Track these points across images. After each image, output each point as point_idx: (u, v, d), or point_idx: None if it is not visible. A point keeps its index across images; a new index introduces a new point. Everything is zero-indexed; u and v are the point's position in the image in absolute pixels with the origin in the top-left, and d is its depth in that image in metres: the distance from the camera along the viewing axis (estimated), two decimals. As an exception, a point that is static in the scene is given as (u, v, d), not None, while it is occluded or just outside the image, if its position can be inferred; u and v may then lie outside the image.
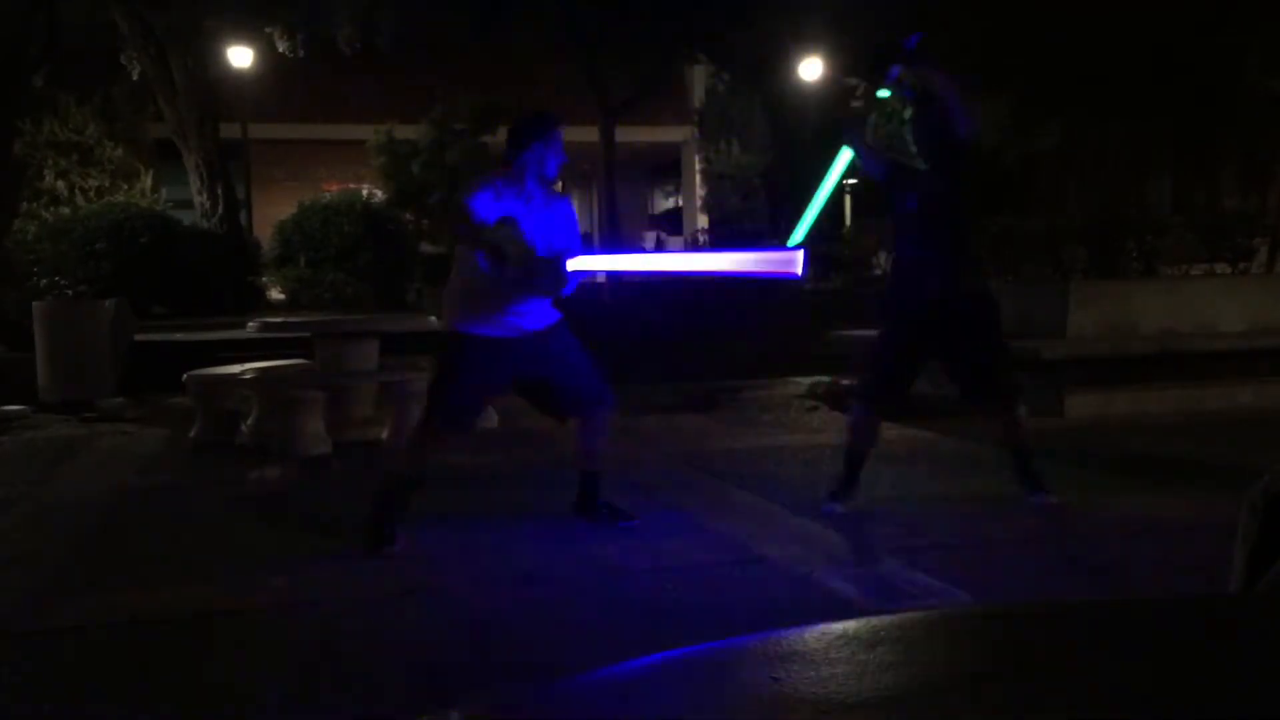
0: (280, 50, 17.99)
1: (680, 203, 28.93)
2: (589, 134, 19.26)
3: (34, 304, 10.51)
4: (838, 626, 1.23)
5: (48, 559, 4.81)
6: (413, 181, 19.42)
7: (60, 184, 17.60)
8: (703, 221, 25.30)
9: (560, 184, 24.24)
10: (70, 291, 14.85)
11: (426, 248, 19.72)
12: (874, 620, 1.26)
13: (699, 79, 24.24)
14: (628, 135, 20.55)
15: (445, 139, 19.62)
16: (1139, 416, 7.91)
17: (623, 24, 15.52)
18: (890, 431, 7.64)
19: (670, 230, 27.64)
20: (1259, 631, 1.27)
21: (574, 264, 4.72)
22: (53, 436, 8.26)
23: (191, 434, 7.63)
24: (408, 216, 19.36)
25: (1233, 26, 10.06)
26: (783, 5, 15.76)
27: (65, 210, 17.06)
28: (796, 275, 4.59)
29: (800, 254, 4.59)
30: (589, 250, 5.30)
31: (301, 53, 17.91)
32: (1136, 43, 9.77)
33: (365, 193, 19.86)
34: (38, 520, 5.62)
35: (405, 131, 19.71)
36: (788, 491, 5.75)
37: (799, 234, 5.04)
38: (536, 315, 4.82)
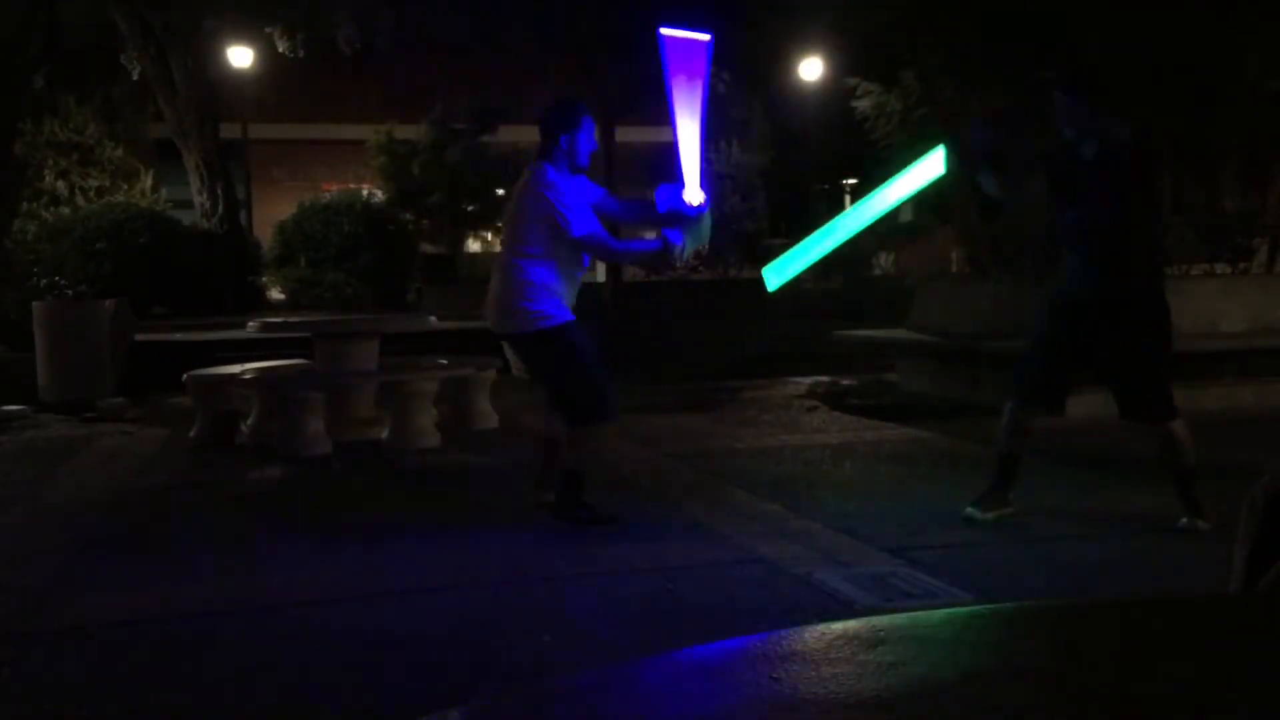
0: (280, 50, 17.99)
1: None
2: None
3: (34, 304, 10.51)
4: (838, 626, 1.23)
5: (48, 559, 4.81)
6: (413, 181, 19.43)
7: (60, 184, 17.60)
8: (702, 221, 25.25)
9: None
10: (70, 292, 14.84)
11: (426, 248, 19.72)
12: (874, 620, 1.26)
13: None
14: (628, 135, 20.53)
15: (445, 139, 19.62)
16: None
17: (623, 24, 15.50)
18: (890, 431, 7.65)
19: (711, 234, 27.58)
20: (1259, 631, 1.27)
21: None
22: (53, 436, 8.26)
23: (191, 434, 7.63)
24: (408, 216, 19.36)
25: (1233, 26, 10.05)
26: (783, 5, 15.76)
27: (65, 210, 17.06)
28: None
29: None
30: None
31: (301, 53, 17.91)
32: (1136, 42, 9.76)
33: (365, 193, 19.87)
34: (38, 520, 5.62)
35: (405, 131, 19.71)
36: (788, 491, 5.75)
37: (783, 272, 4.80)
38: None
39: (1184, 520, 4.78)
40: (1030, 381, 5.09)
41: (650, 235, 5.24)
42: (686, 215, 4.78)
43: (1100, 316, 4.80)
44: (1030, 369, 5.10)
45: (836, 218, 4.82)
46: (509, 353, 7.13)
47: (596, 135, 4.98)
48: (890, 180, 4.68)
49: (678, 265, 4.90)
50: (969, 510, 4.99)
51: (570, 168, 4.89)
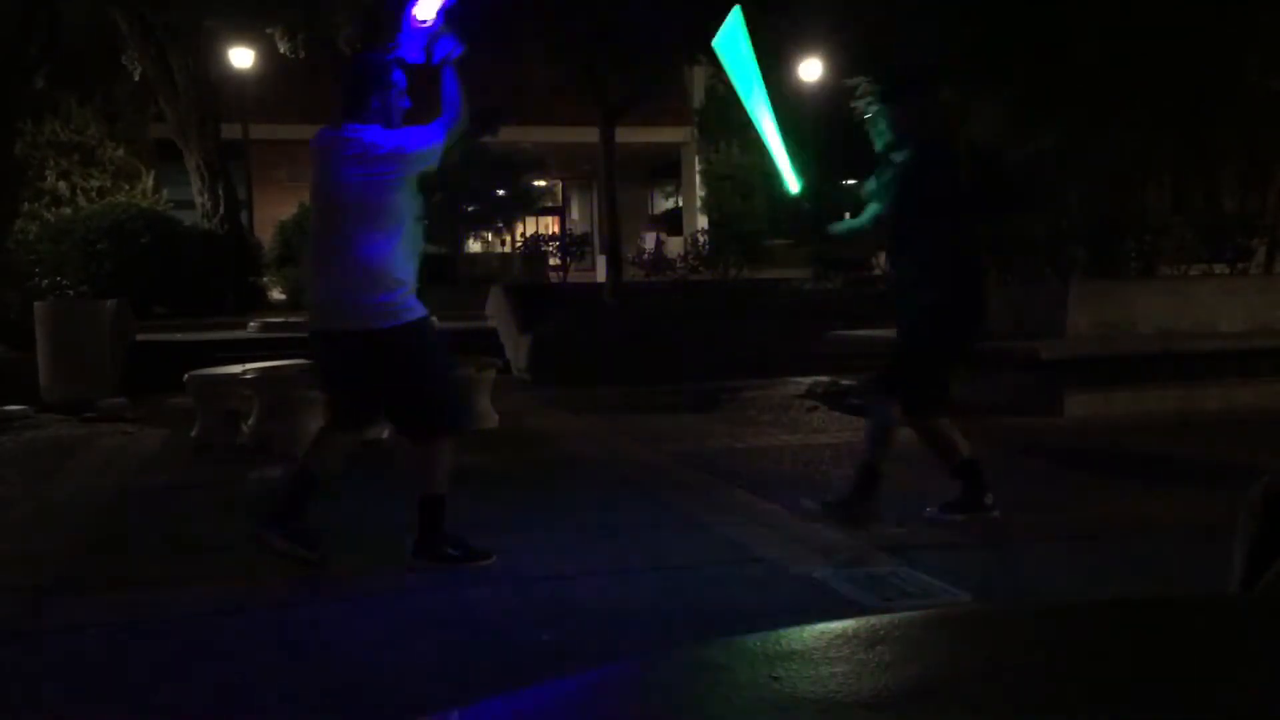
0: (281, 51, 17.99)
1: (680, 203, 28.94)
2: (589, 134, 19.27)
3: (35, 304, 10.52)
4: (837, 626, 1.23)
5: (48, 559, 4.81)
6: (413, 181, 19.40)
7: (61, 184, 17.60)
8: (703, 222, 25.30)
9: (559, 184, 24.12)
10: (71, 292, 14.85)
11: (426, 248, 19.71)
12: (873, 620, 1.26)
13: (699, 79, 24.24)
14: (628, 135, 20.54)
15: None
16: (1138, 416, 7.92)
17: (623, 24, 15.50)
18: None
19: (670, 230, 27.66)
20: (1258, 631, 1.27)
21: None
22: (54, 436, 8.26)
23: (192, 434, 7.63)
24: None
25: (1233, 26, 10.05)
26: (783, 5, 15.75)
27: (66, 210, 17.06)
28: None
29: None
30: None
31: (302, 53, 17.91)
32: (1136, 42, 9.76)
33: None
34: (38, 520, 5.62)
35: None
36: (788, 491, 5.75)
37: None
38: None
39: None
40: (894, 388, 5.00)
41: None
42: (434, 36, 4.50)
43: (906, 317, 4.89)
44: (893, 374, 5.06)
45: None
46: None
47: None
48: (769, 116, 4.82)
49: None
50: (934, 514, 4.97)
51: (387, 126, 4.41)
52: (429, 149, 4.38)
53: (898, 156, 4.84)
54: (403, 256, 4.31)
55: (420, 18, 4.45)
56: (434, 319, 4.53)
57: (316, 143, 4.51)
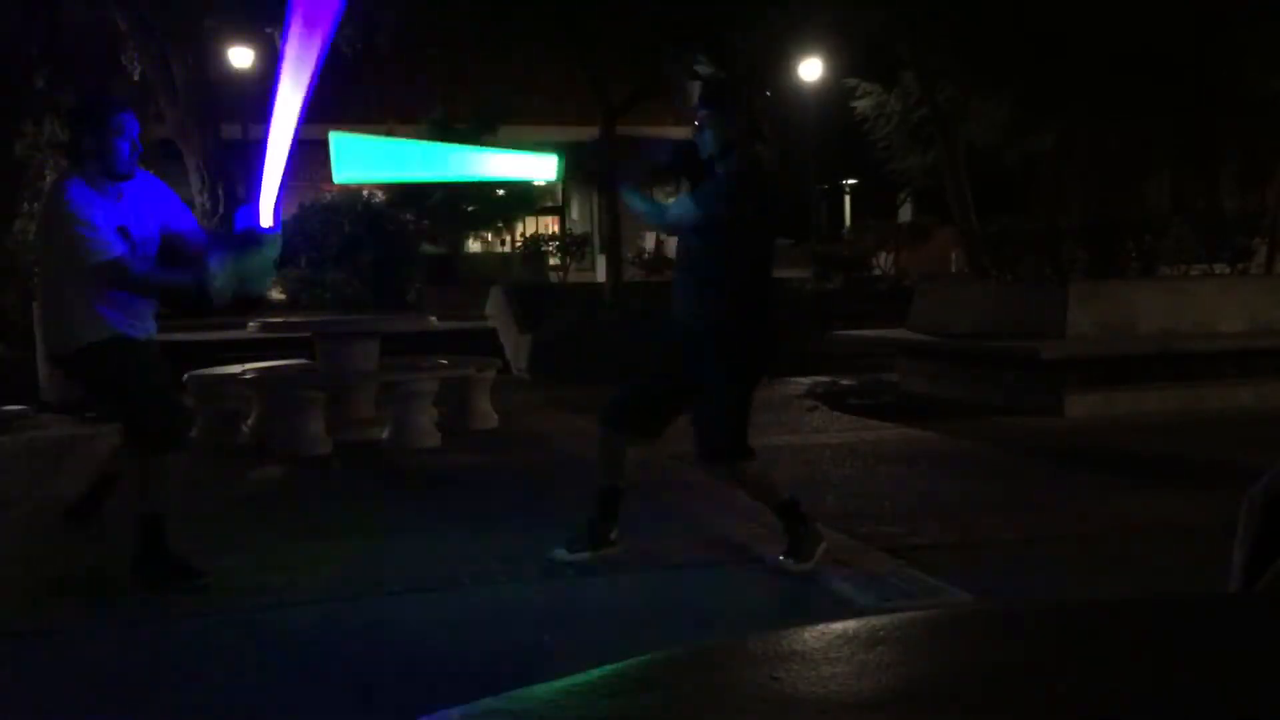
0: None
1: (680, 203, 28.91)
2: (589, 134, 19.25)
3: (34, 304, 10.50)
4: (837, 626, 1.23)
5: (48, 559, 4.81)
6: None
7: (61, 184, 17.59)
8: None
9: (559, 185, 24.04)
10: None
11: (427, 248, 19.72)
12: (873, 620, 1.26)
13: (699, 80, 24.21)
14: (628, 135, 20.52)
15: (445, 139, 19.61)
16: (1139, 416, 7.92)
17: (623, 24, 15.50)
18: (890, 431, 7.65)
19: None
20: (1259, 631, 1.27)
21: (265, 214, 4.06)
22: (54, 436, 8.26)
23: (192, 434, 7.62)
24: (408, 217, 19.37)
25: (1233, 26, 10.06)
26: (783, 5, 15.76)
27: (66, 211, 17.05)
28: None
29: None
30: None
31: (302, 53, 17.89)
32: (1136, 42, 9.76)
33: (365, 193, 19.87)
34: (38, 520, 5.62)
35: (405, 132, 19.68)
36: (787, 492, 5.73)
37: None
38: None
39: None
40: (619, 409, 4.69)
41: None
42: (253, 238, 4.11)
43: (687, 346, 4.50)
44: (624, 397, 4.73)
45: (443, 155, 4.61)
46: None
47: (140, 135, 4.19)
48: (502, 151, 4.47)
49: (212, 306, 4.22)
50: (558, 552, 4.54)
51: (108, 173, 4.11)
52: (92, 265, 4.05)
53: (721, 167, 4.42)
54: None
55: (261, 223, 4.12)
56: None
57: None
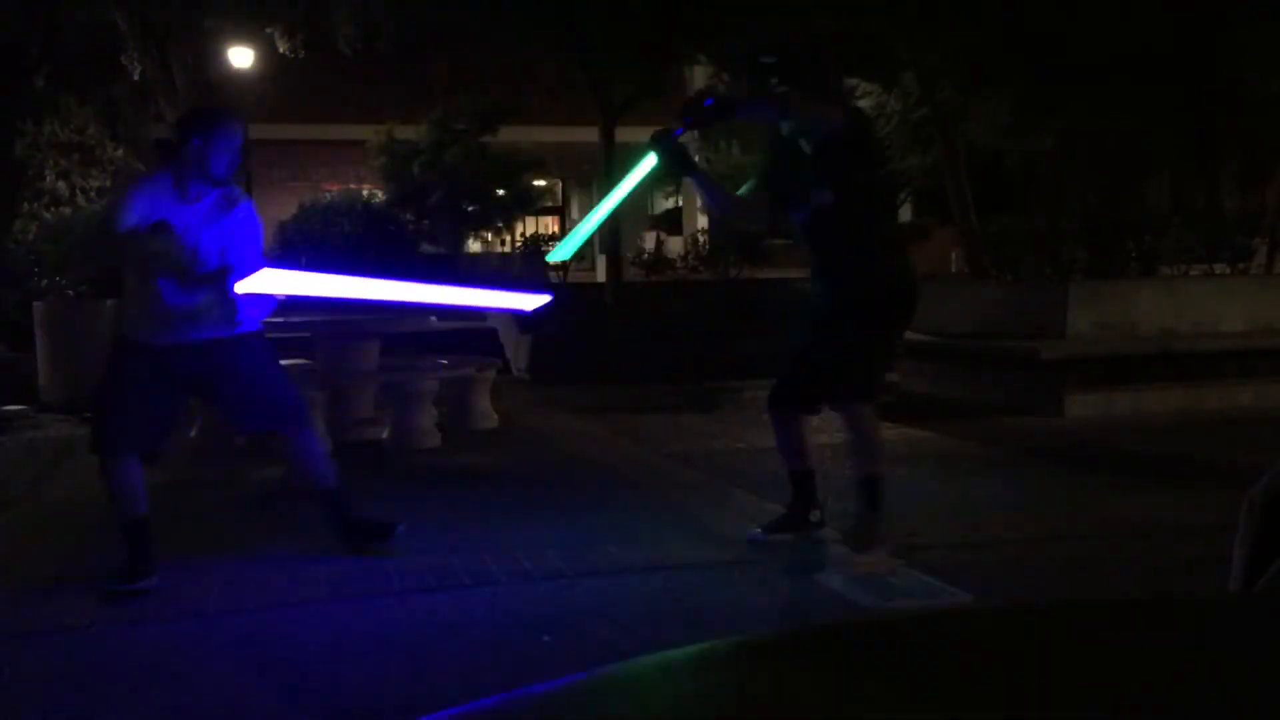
0: (281, 50, 17.98)
1: (680, 203, 28.92)
2: (589, 134, 19.25)
3: (35, 304, 10.51)
4: (838, 626, 1.23)
5: (48, 559, 4.81)
6: (413, 182, 19.42)
7: (61, 184, 17.56)
8: (702, 222, 25.28)
9: (560, 184, 24.19)
10: (71, 292, 14.82)
11: (426, 248, 19.72)
12: (874, 620, 1.26)
13: (699, 78, 24.23)
14: (628, 135, 20.51)
15: (445, 139, 19.62)
16: (1139, 417, 7.92)
17: (623, 24, 15.50)
18: (890, 432, 7.64)
19: (670, 230, 27.65)
20: (1259, 632, 1.27)
21: (251, 283, 4.13)
22: (53, 436, 8.25)
23: (191, 434, 7.63)
24: (408, 217, 19.36)
25: (1233, 26, 10.06)
26: (783, 5, 15.77)
27: (66, 210, 17.03)
28: (524, 312, 4.40)
29: (542, 298, 4.32)
30: (281, 265, 4.66)
31: (302, 53, 17.91)
32: (1137, 42, 9.76)
33: (366, 193, 19.87)
34: (38, 520, 5.62)
35: (405, 131, 19.70)
36: (788, 492, 5.73)
37: (563, 250, 4.64)
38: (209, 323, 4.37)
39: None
40: (783, 391, 4.82)
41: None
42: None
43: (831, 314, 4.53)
44: (784, 380, 4.84)
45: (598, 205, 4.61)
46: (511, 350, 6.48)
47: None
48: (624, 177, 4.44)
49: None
50: (755, 533, 4.72)
51: (203, 177, 4.26)
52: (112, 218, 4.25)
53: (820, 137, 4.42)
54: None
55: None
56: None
57: None
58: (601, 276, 19.52)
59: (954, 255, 19.38)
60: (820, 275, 4.59)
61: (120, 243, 4.19)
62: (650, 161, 4.30)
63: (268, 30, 17.77)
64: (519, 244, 25.43)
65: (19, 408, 9.05)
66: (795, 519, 4.72)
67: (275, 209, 19.86)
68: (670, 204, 30.62)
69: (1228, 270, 10.23)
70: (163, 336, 4.29)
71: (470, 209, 20.28)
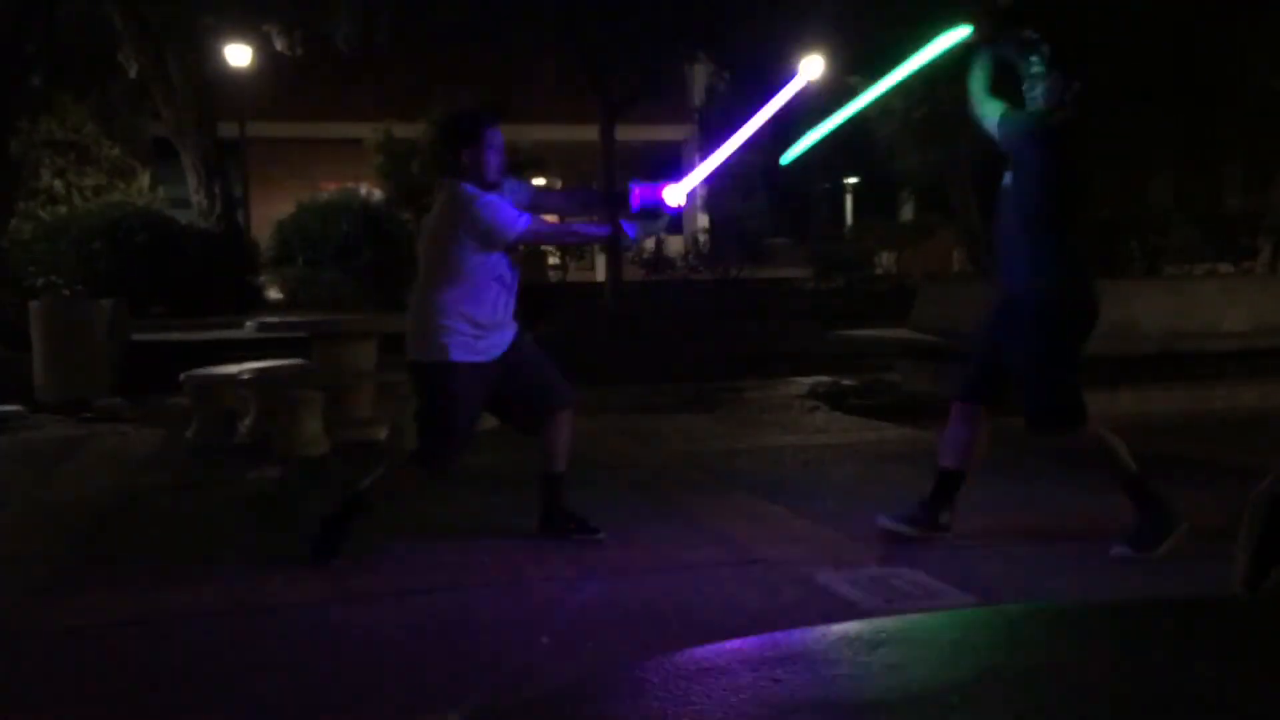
0: (278, 48, 17.99)
1: (680, 202, 28.95)
2: (589, 133, 19.28)
3: (31, 304, 10.48)
4: (839, 628, 1.22)
5: (46, 559, 4.79)
6: (412, 181, 19.43)
7: (57, 183, 17.59)
8: (703, 221, 25.32)
9: (559, 183, 24.22)
10: (67, 291, 14.83)
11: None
12: (876, 621, 1.25)
13: (699, 77, 24.26)
14: (628, 134, 20.54)
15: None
16: (1142, 416, 7.89)
17: (623, 23, 15.52)
18: (892, 432, 7.64)
19: (670, 229, 27.70)
20: (1262, 632, 1.26)
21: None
22: (50, 437, 8.23)
23: (189, 434, 7.61)
24: (406, 216, 19.37)
25: (1239, 24, 10.04)
26: (783, 4, 15.78)
27: (62, 209, 17.05)
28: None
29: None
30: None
31: (299, 51, 17.92)
32: (1140, 40, 9.75)
33: (364, 192, 19.88)
34: (35, 520, 5.60)
35: (404, 130, 19.71)
36: (788, 492, 5.73)
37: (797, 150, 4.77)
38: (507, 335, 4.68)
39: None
40: (971, 384, 4.80)
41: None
42: (660, 214, 4.69)
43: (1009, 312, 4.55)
44: (971, 374, 4.83)
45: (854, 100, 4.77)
46: None
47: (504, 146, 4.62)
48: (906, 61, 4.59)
49: (628, 251, 4.86)
50: (882, 520, 4.74)
51: (480, 184, 4.52)
52: (494, 227, 4.45)
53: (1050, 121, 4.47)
54: (453, 305, 4.48)
55: (671, 203, 4.69)
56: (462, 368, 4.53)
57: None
58: (601, 276, 19.54)
59: (956, 254, 19.40)
60: (1004, 268, 4.62)
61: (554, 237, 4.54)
62: (960, 32, 4.42)
63: (264, 28, 17.77)
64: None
65: (15, 408, 9.03)
66: (926, 516, 4.70)
67: (273, 208, 19.88)
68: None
69: (1231, 269, 10.22)
70: (493, 349, 4.56)
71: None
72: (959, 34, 4.53)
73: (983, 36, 4.59)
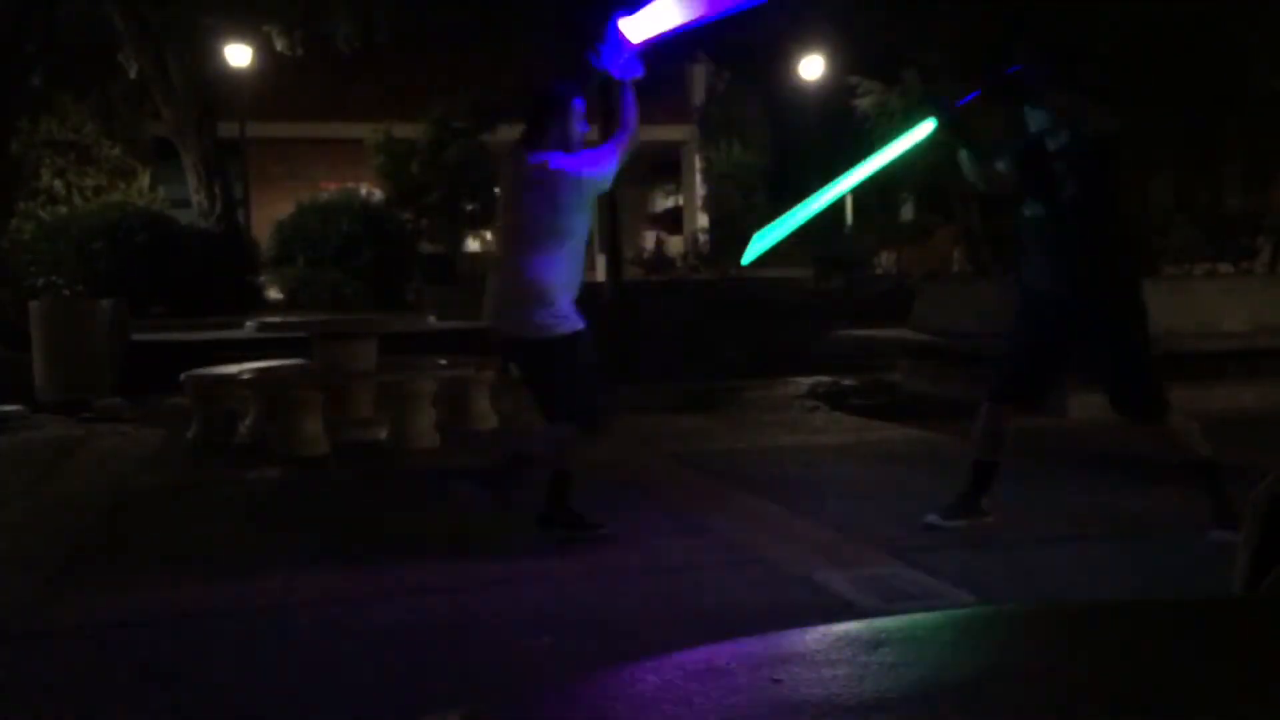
0: (278, 48, 17.98)
1: (680, 202, 28.94)
2: (588, 134, 19.19)
3: (31, 304, 10.48)
4: (839, 628, 1.22)
5: (46, 559, 4.79)
6: (412, 181, 19.42)
7: (57, 183, 17.58)
8: (703, 221, 25.30)
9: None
10: (67, 291, 14.82)
11: (426, 247, 19.72)
12: (875, 621, 1.25)
13: (699, 77, 24.26)
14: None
15: (444, 138, 19.61)
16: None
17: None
18: (892, 432, 7.63)
19: (670, 230, 27.67)
20: (1261, 632, 1.26)
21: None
22: (50, 437, 8.23)
23: (189, 434, 7.61)
24: (407, 216, 19.37)
25: (1239, 24, 10.03)
26: (783, 4, 15.78)
27: (62, 209, 17.04)
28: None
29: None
30: None
31: (299, 51, 17.91)
32: (1139, 40, 9.75)
33: (364, 192, 19.87)
34: (36, 520, 5.60)
35: (404, 130, 19.69)
36: (789, 492, 5.73)
37: (767, 239, 4.71)
38: None
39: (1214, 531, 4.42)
40: (1009, 384, 4.88)
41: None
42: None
43: (1077, 312, 4.64)
44: (1004, 369, 4.94)
45: (824, 189, 4.76)
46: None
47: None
48: (876, 153, 4.67)
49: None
50: (931, 518, 4.82)
51: (567, 153, 4.66)
52: (604, 173, 4.64)
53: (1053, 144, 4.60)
54: (565, 274, 4.58)
55: (629, 37, 4.68)
56: (585, 330, 4.66)
57: (506, 168, 4.86)
58: (601, 276, 19.51)
59: (956, 254, 19.38)
60: (1051, 272, 4.67)
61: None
62: (925, 128, 4.46)
63: (264, 28, 17.75)
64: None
65: (15, 408, 9.03)
66: (971, 505, 4.80)
67: (273, 208, 19.88)
68: (670, 203, 30.65)
69: (1231, 269, 10.21)
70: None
71: (469, 208, 20.29)
72: (925, 129, 4.62)
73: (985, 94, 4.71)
